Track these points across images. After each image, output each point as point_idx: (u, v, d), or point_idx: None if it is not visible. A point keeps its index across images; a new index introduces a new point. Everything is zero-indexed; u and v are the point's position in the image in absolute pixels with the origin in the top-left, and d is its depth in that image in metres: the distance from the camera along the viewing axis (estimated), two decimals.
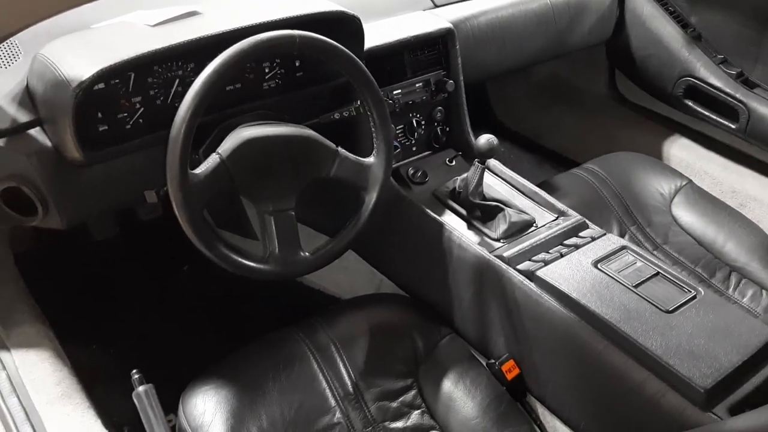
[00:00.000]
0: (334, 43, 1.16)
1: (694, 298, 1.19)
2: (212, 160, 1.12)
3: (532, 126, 2.46)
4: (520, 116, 2.51)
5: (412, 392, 1.29)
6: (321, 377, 1.26)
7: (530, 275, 1.25)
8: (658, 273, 1.24)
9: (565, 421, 1.24)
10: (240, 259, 1.15)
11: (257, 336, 1.33)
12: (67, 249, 1.81)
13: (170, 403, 1.21)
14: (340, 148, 1.23)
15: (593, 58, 2.26)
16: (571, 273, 1.24)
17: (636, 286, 1.21)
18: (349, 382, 1.27)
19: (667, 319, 1.15)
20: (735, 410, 1.04)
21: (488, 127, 2.36)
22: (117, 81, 1.19)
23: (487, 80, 2.34)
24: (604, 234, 1.35)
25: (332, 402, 1.24)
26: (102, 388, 1.40)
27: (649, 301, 1.18)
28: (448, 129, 1.63)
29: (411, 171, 1.53)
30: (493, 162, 1.53)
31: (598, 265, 1.26)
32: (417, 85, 1.56)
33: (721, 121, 1.89)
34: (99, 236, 1.74)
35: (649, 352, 1.08)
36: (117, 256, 1.92)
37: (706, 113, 1.93)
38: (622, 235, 1.58)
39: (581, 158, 2.07)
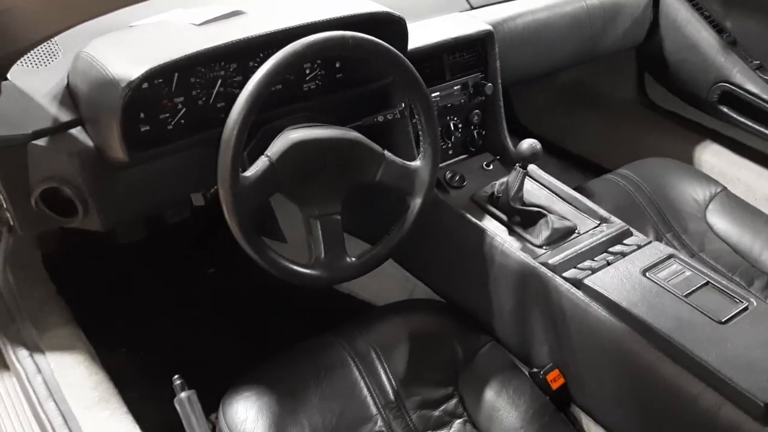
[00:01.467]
0: (386, 45, 1.14)
1: (746, 309, 1.17)
2: (261, 162, 1.10)
3: (557, 131, 2.44)
4: (544, 120, 2.48)
5: (454, 401, 1.27)
6: (362, 384, 1.24)
7: (578, 283, 1.22)
8: (708, 282, 1.22)
9: None
10: (288, 264, 1.13)
11: (288, 341, 1.31)
12: (94, 251, 1.79)
13: (203, 407, 1.19)
14: (386, 152, 1.21)
15: (621, 63, 2.24)
16: (620, 281, 1.21)
17: (687, 296, 1.18)
18: (390, 390, 1.25)
19: (720, 330, 1.12)
20: None
21: (512, 131, 2.34)
22: (161, 81, 1.17)
23: (512, 84, 2.32)
24: (650, 242, 1.32)
25: (374, 410, 1.22)
26: (134, 392, 1.37)
27: (702, 312, 1.15)
28: (484, 133, 1.61)
29: (448, 175, 1.51)
30: (532, 167, 1.51)
31: (647, 274, 1.23)
32: (455, 87, 1.54)
33: (758, 127, 1.87)
34: (126, 239, 1.72)
35: (705, 364, 1.06)
36: (143, 258, 1.90)
37: (742, 119, 1.91)
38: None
39: (609, 164, 2.05)
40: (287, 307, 1.83)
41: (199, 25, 1.20)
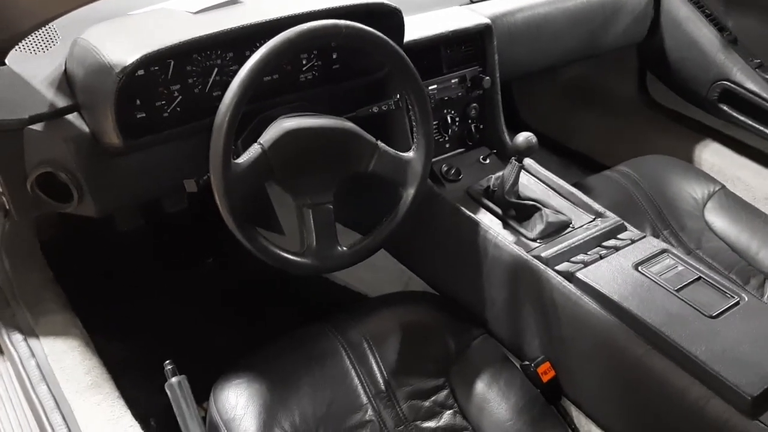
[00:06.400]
0: (380, 34, 1.14)
1: (737, 304, 1.16)
2: (254, 150, 1.10)
3: (558, 127, 2.44)
4: (546, 117, 2.48)
5: (444, 392, 1.27)
6: (353, 374, 1.25)
7: (569, 276, 1.23)
8: (700, 277, 1.22)
9: (601, 426, 1.22)
10: (279, 252, 1.14)
11: (282, 330, 1.32)
12: (92, 238, 1.80)
13: (195, 394, 1.20)
14: (380, 143, 1.21)
15: (623, 60, 2.24)
16: (612, 275, 1.21)
17: (678, 290, 1.18)
18: (381, 380, 1.25)
19: (710, 324, 1.12)
20: None
21: (513, 127, 2.34)
22: (157, 68, 1.17)
23: (513, 79, 2.32)
24: (644, 236, 1.32)
25: (364, 399, 1.23)
26: (127, 378, 1.38)
27: (692, 306, 1.15)
28: (481, 126, 1.61)
29: (444, 168, 1.51)
30: (528, 161, 1.51)
31: (639, 268, 1.23)
32: (452, 80, 1.54)
33: (757, 126, 1.86)
34: (124, 226, 1.73)
35: (694, 357, 1.06)
36: (141, 247, 1.91)
37: (742, 118, 1.90)
38: None
39: (609, 161, 2.04)
40: (283, 298, 1.83)
41: (196, 13, 1.21)
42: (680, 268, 1.24)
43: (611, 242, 1.32)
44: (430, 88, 1.50)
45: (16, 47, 1.19)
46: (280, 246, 1.15)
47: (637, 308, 1.14)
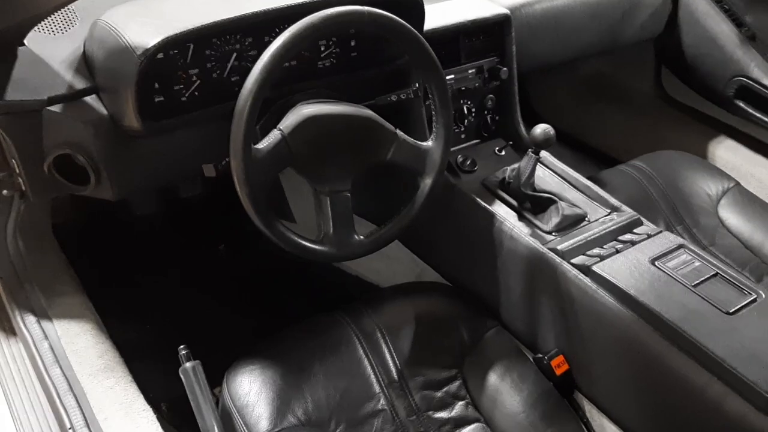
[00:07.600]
0: (403, 22, 1.13)
1: (754, 300, 1.16)
2: (274, 136, 1.10)
3: (573, 122, 2.42)
4: (560, 112, 2.47)
5: (457, 383, 1.27)
6: (366, 363, 1.25)
7: (586, 270, 1.22)
8: (717, 273, 1.21)
9: (615, 421, 1.22)
10: (296, 239, 1.14)
11: (295, 318, 1.32)
12: (106, 222, 1.79)
13: (208, 380, 1.20)
14: (398, 131, 1.20)
15: (639, 55, 2.22)
16: (629, 269, 1.21)
17: (695, 286, 1.18)
18: (394, 370, 1.25)
19: (728, 320, 1.12)
20: None
21: (527, 120, 2.33)
22: (176, 51, 1.16)
23: (530, 72, 2.30)
24: (661, 231, 1.32)
25: (377, 388, 1.23)
26: (139, 362, 1.38)
27: (710, 302, 1.15)
28: (497, 118, 1.60)
29: (460, 159, 1.50)
30: (544, 153, 1.50)
31: (656, 263, 1.23)
32: (470, 71, 1.53)
33: None
34: (139, 211, 1.72)
35: (712, 354, 1.05)
36: (155, 232, 1.91)
37: (758, 115, 1.88)
38: None
39: (624, 157, 2.03)
40: (295, 285, 1.83)
41: None
42: (697, 263, 1.23)
43: (627, 236, 1.31)
44: (447, 78, 1.49)
45: (36, 28, 1.19)
46: (298, 233, 1.14)
47: (655, 303, 1.14)
